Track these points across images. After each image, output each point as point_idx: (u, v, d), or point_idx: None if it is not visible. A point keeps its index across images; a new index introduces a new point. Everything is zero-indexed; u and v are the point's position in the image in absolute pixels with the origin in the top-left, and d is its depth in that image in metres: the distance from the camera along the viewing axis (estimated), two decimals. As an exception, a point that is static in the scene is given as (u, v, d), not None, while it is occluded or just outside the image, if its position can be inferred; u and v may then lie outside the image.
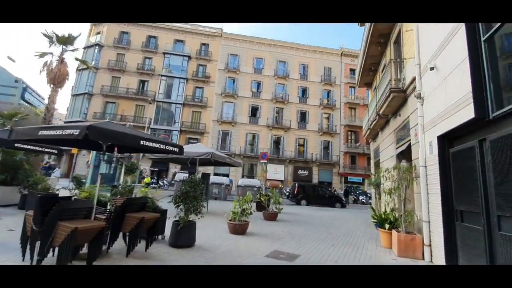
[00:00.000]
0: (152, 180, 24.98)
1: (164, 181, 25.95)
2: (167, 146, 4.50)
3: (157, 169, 30.20)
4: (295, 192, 16.70)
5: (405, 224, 5.42)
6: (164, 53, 31.88)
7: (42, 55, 9.76)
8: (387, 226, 5.76)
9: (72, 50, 10.49)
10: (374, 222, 6.45)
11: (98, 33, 32.36)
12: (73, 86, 31.45)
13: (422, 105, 5.80)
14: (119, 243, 4.29)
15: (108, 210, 4.31)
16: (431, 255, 5.08)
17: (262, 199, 8.96)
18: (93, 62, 30.44)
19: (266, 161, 14.83)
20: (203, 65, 32.93)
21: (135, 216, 3.96)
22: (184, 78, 31.57)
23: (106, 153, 11.88)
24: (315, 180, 30.83)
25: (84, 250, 3.76)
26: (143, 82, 31.58)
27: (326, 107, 33.31)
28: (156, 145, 4.16)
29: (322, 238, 6.42)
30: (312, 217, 10.43)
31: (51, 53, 9.94)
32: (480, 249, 3.75)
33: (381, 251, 5.54)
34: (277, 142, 31.79)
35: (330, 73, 34.62)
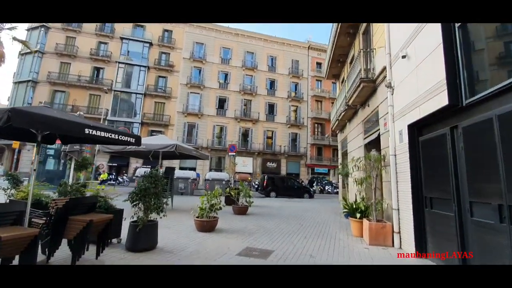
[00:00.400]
0: (110, 177, 23.06)
1: (124, 177, 24.15)
2: (121, 136, 3.83)
3: (116, 165, 28.04)
4: (264, 184, 16.58)
5: (376, 213, 5.44)
6: (121, 38, 29.28)
7: None
8: (358, 215, 5.76)
9: (9, 29, 8.83)
10: (345, 212, 6.44)
11: (42, 11, 28.47)
12: (15, 73, 27.49)
13: (392, 94, 5.81)
14: (64, 251, 3.59)
15: (48, 213, 3.56)
16: (400, 241, 5.15)
17: (232, 193, 8.54)
18: (38, 46, 26.87)
19: (234, 153, 14.39)
20: (166, 53, 30.99)
21: (80, 219, 3.29)
22: (145, 66, 29.41)
23: (53, 147, 10.43)
24: (283, 172, 31.25)
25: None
26: (97, 69, 28.74)
27: (294, 100, 33.71)
28: (107, 135, 3.48)
29: (294, 231, 6.25)
30: (282, 209, 10.33)
31: None
32: (451, 234, 3.80)
33: (352, 241, 5.52)
34: (245, 135, 31.45)
35: (298, 66, 34.99)
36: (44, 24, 27.41)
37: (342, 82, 12.68)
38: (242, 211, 8.36)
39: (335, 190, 26.79)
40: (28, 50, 26.65)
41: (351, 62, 10.90)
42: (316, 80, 35.69)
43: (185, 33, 31.75)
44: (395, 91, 5.74)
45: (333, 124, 12.30)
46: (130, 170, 28.03)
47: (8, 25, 8.65)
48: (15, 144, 20.62)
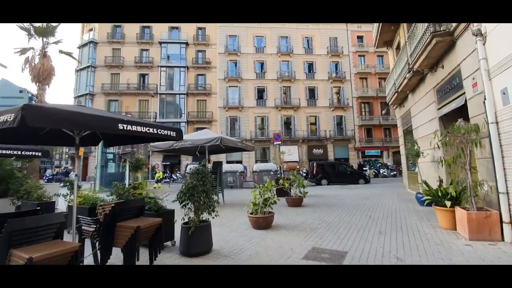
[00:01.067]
0: (165, 175, 24.43)
1: (178, 174, 25.38)
2: (160, 130, 3.43)
3: (169, 163, 29.67)
4: (314, 172, 15.60)
5: (475, 199, 4.24)
6: (160, 43, 30.47)
7: (23, 51, 8.68)
8: (448, 203, 4.60)
9: (55, 43, 9.37)
10: (428, 199, 5.29)
11: (91, 29, 31.16)
12: (74, 89, 30.80)
13: (484, 44, 4.44)
14: (119, 257, 3.37)
15: (97, 220, 3.35)
16: (515, 234, 3.94)
17: (285, 184, 7.91)
18: (90, 61, 29.52)
19: (280, 142, 13.69)
20: (202, 51, 31.40)
21: (128, 226, 2.98)
22: (184, 67, 30.24)
23: (112, 151, 10.72)
24: (331, 157, 29.60)
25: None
26: (143, 75, 30.50)
27: (336, 80, 31.41)
28: (145, 129, 3.09)
29: (363, 225, 5.35)
30: (339, 198, 9.37)
31: (32, 48, 8.89)
32: None
33: (444, 235, 4.42)
34: (287, 123, 30.47)
35: (337, 44, 32.42)
36: (92, 39, 29.92)
37: (398, 48, 10.93)
38: (297, 202, 7.69)
39: (391, 173, 24.41)
40: (82, 66, 29.57)
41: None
42: (359, 55, 32.68)
43: (217, 28, 31.68)
44: (488, 39, 4.37)
45: (389, 99, 10.71)
46: (182, 167, 29.44)
47: (52, 39, 9.09)
48: (80, 152, 22.96)
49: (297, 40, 32.05)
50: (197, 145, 7.89)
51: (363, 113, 31.62)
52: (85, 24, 32.20)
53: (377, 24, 10.69)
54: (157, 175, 16.26)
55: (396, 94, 9.56)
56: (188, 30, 31.31)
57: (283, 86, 31.09)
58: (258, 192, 5.60)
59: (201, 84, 30.72)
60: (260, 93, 30.89)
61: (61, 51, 9.34)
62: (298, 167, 16.00)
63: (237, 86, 30.60)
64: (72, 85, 31.19)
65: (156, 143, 7.25)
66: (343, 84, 31.57)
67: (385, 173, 23.56)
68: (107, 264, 3.08)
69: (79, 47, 30.95)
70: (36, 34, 8.72)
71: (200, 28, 31.85)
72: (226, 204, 8.25)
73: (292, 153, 29.18)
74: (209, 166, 8.38)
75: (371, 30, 33.83)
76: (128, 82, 29.74)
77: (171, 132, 3.66)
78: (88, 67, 29.49)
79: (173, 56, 30.52)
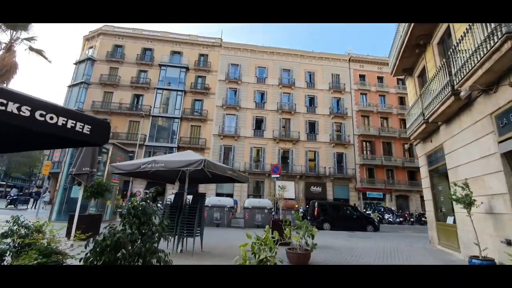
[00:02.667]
0: (145, 204, 21.71)
1: (159, 205, 22.62)
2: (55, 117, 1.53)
3: (152, 191, 26.90)
4: (315, 213, 13.37)
5: None
6: (160, 65, 29.81)
7: None
8: None
9: (28, 39, 7.79)
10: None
11: (91, 47, 30.64)
12: (64, 104, 29.20)
13: None
14: None
15: None
16: None
17: (286, 232, 5.75)
18: (84, 77, 28.39)
19: (278, 176, 11.75)
20: (202, 77, 30.72)
21: None
22: (181, 91, 29.22)
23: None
24: (330, 197, 27.37)
25: None
26: (137, 96, 29.26)
27: (337, 116, 30.49)
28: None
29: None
30: (356, 254, 7.14)
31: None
32: None
33: None
34: (285, 157, 28.68)
35: (339, 80, 32.20)
36: (91, 57, 29.16)
37: (420, 76, 9.61)
38: (302, 259, 5.50)
39: (397, 220, 22.08)
40: (76, 82, 28.35)
41: (439, 43, 7.94)
42: (361, 93, 32.30)
43: (220, 56, 31.46)
44: None
45: (412, 132, 9.06)
46: (167, 196, 26.79)
47: (24, 33, 7.56)
48: (46, 169, 20.42)
49: (299, 74, 31.79)
50: (173, 170, 5.90)
51: (365, 151, 30.19)
52: (86, 42, 31.83)
53: (397, 49, 9.49)
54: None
55: (423, 126, 7.93)
56: (190, 55, 30.99)
57: (283, 118, 29.97)
58: (249, 247, 3.53)
59: (197, 110, 29.44)
60: (258, 124, 29.60)
61: (31, 48, 7.75)
62: (297, 206, 13.77)
63: (234, 115, 29.38)
64: (62, 101, 29.63)
65: (118, 163, 5.28)
66: (345, 120, 30.62)
67: (390, 219, 21.25)
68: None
69: (75, 63, 30.09)
70: (4, 25, 7.13)
71: (202, 55, 31.60)
72: (204, 252, 6.00)
73: (288, 189, 26.76)
74: (188, 198, 6.30)
75: (373, 70, 34.22)
76: (120, 102, 28.33)
77: (80, 124, 1.75)
78: (81, 83, 28.28)
79: (171, 79, 29.65)
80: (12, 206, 17.97)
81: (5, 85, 6.74)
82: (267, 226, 3.18)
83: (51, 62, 7.39)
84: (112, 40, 30.61)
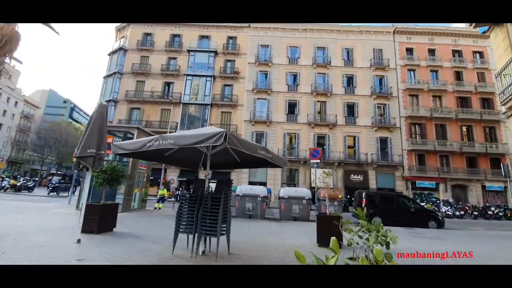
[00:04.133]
0: (177, 192, 21.48)
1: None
2: None
3: (185, 179, 26.95)
4: (363, 205, 11.46)
5: None
6: (188, 51, 29.07)
7: None
8: None
9: None
10: None
11: (123, 37, 30.93)
12: (100, 95, 30.16)
13: None
14: None
15: None
16: None
17: (349, 240, 4.18)
18: (117, 67, 28.81)
19: (318, 161, 10.05)
20: (231, 60, 29.42)
21: None
22: (211, 76, 28.28)
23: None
24: (372, 186, 24.84)
25: None
26: (168, 84, 29.05)
27: (380, 97, 27.27)
28: None
29: None
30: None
31: None
32: None
33: None
34: (321, 143, 26.50)
35: (381, 56, 28.64)
36: (122, 46, 29.41)
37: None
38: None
39: (456, 213, 19.00)
40: (109, 73, 28.89)
41: None
42: (408, 69, 28.47)
43: (249, 37, 29.75)
44: None
45: (507, 99, 6.69)
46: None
47: None
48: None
49: (335, 51, 28.87)
50: (189, 149, 4.61)
51: (414, 135, 26.72)
52: (118, 32, 32.23)
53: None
54: (160, 192, 13.18)
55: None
56: (218, 38, 29.76)
57: (318, 101, 27.62)
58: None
59: (227, 95, 28.38)
60: (291, 108, 27.67)
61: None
62: (340, 196, 11.88)
63: (266, 99, 27.76)
64: (99, 92, 30.63)
65: (121, 142, 4.12)
66: (389, 101, 27.28)
67: (449, 212, 18.30)
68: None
69: (109, 54, 30.68)
70: None
71: (231, 37, 30.18)
72: (232, 256, 4.71)
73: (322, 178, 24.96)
74: (211, 187, 5.00)
75: (422, 41, 29.75)
76: (152, 90, 28.34)
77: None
78: (115, 73, 28.77)
79: (200, 65, 28.82)
80: (55, 193, 18.79)
81: (7, 58, 5.94)
82: (333, 239, 1.68)
83: (59, 34, 6.35)
84: (142, 28, 30.53)
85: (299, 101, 27.62)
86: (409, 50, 29.11)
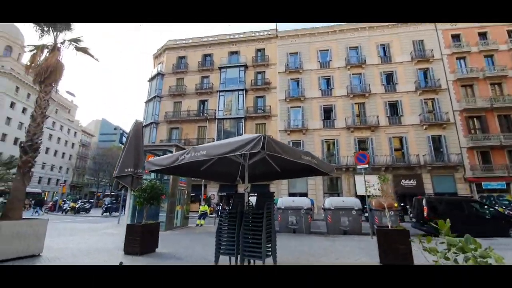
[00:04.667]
0: (218, 208, 21.49)
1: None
2: None
3: (225, 194, 27.04)
4: (424, 213, 9.97)
5: None
6: (219, 68, 29.96)
7: (38, 48, 6.94)
8: None
9: (73, 40, 7.32)
10: None
11: (160, 63, 33.18)
12: (143, 119, 32.36)
13: None
14: None
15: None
16: None
17: (437, 257, 3.28)
18: (156, 91, 30.77)
19: (366, 165, 9.05)
20: (261, 72, 29.56)
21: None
22: (242, 90, 28.62)
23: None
24: (428, 190, 22.14)
25: None
26: (202, 102, 30.11)
27: (427, 91, 24.78)
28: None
29: None
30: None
31: (46, 46, 7.09)
32: None
33: None
34: (363, 148, 24.71)
35: (423, 47, 26.30)
36: (160, 72, 31.46)
37: None
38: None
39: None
40: (150, 97, 30.92)
41: None
42: (457, 58, 25.58)
43: (277, 47, 29.71)
44: None
45: None
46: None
47: (68, 34, 7.18)
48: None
49: (369, 49, 27.30)
50: (212, 156, 4.25)
51: (473, 131, 23.54)
52: (155, 59, 34.69)
53: None
54: (201, 208, 13.11)
55: None
56: (247, 52, 30.28)
57: (355, 103, 26.07)
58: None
59: (260, 106, 28.34)
60: (327, 113, 26.52)
61: (77, 48, 7.24)
62: (396, 205, 10.47)
63: (299, 107, 27.06)
64: (141, 116, 32.94)
65: (154, 158, 3.92)
66: (438, 95, 24.63)
67: (533, 217, 15.25)
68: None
69: (149, 80, 33.04)
70: (47, 26, 6.81)
71: (259, 50, 30.49)
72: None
73: (372, 184, 23.02)
74: (251, 201, 4.55)
75: (470, 25, 26.72)
76: (188, 109, 29.57)
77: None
78: (154, 97, 30.75)
79: (231, 80, 29.43)
80: (107, 213, 20.10)
81: (53, 87, 6.35)
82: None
83: (98, 61, 6.64)
84: (176, 53, 32.45)
85: (335, 105, 26.36)
86: (456, 37, 26.29)
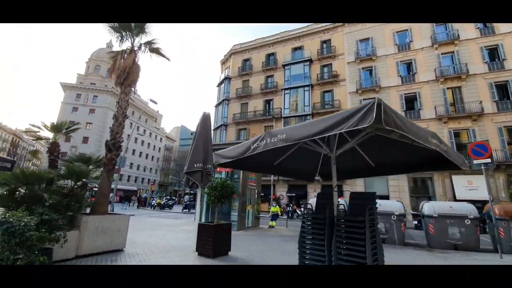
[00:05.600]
0: (288, 209, 20.69)
1: (303, 209, 20.97)
2: None
3: (294, 195, 26.13)
4: None
5: None
6: (283, 66, 29.31)
7: (118, 53, 7.51)
8: None
9: (149, 43, 7.64)
10: None
11: (227, 68, 34.68)
12: (214, 123, 34.35)
13: None
14: None
15: None
16: None
17: None
18: (225, 95, 32.17)
19: (489, 159, 6.81)
20: (327, 65, 27.62)
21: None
22: (308, 85, 27.25)
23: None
24: None
25: None
26: (268, 101, 30.00)
27: (558, 63, 18.62)
28: None
29: None
30: None
31: (124, 50, 7.60)
32: None
33: None
34: (460, 143, 20.26)
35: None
36: (227, 76, 32.80)
37: None
38: None
39: None
40: (219, 101, 32.48)
41: None
42: None
43: (345, 36, 27.26)
44: None
45: None
46: (308, 199, 25.17)
47: (143, 37, 7.50)
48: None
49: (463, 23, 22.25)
50: (303, 139, 3.41)
51: None
52: (223, 65, 36.43)
53: None
54: (271, 209, 12.50)
55: None
56: (311, 46, 28.76)
57: (448, 88, 21.63)
58: None
59: (328, 101, 26.44)
60: (410, 103, 22.83)
61: (151, 49, 7.55)
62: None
63: (374, 98, 23.95)
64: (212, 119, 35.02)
65: (222, 150, 3.38)
66: None
67: None
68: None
69: (217, 85, 34.87)
70: (124, 30, 7.25)
71: (324, 42, 28.58)
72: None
73: (476, 187, 18.58)
74: (341, 202, 3.56)
75: None
76: (254, 110, 29.87)
77: None
78: (223, 101, 32.21)
79: (296, 76, 28.38)
80: (187, 210, 21.68)
81: (131, 88, 6.64)
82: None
83: (169, 60, 6.69)
84: (241, 56, 33.35)
85: (420, 93, 22.43)
86: None
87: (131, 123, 34.09)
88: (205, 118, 5.06)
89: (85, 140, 45.82)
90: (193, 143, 4.81)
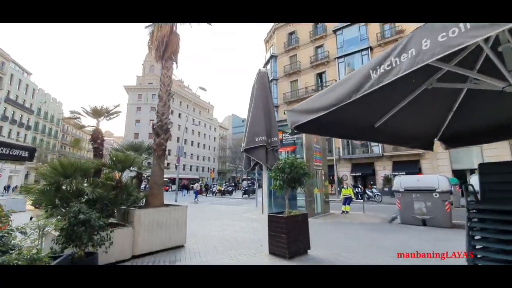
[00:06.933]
0: (356, 190, 18.45)
1: (374, 190, 18.45)
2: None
3: (360, 174, 23.57)
4: None
5: None
6: (334, 31, 26.01)
7: (156, 26, 6.76)
8: None
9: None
10: None
11: (271, 46, 32.78)
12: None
13: None
14: None
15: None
16: None
17: None
18: (272, 74, 30.54)
19: None
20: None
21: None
22: (366, 49, 23.66)
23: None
24: None
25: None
26: (319, 74, 27.33)
27: None
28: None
29: None
30: None
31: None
32: None
33: None
34: None
35: None
36: (273, 54, 30.95)
37: None
38: None
39: None
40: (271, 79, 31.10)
41: None
42: None
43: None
44: None
45: None
46: (378, 179, 22.37)
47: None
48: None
49: None
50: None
51: None
52: (267, 44, 34.56)
53: None
54: (343, 191, 10.78)
55: None
56: (367, 1, 24.68)
57: None
58: None
59: (394, 63, 22.52)
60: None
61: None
62: None
63: (457, 49, 19.35)
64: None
65: (301, 103, 2.01)
66: None
67: None
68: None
69: (263, 66, 33.35)
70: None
71: (384, -7, 24.16)
72: None
73: None
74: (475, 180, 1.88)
75: None
76: (305, 86, 27.61)
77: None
78: (271, 81, 30.63)
79: (351, 41, 24.90)
80: (246, 196, 21.44)
81: (173, 61, 5.73)
82: None
83: (211, 24, 5.57)
84: (285, 30, 30.97)
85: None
86: None
87: (186, 116, 35.40)
88: (262, 76, 3.77)
89: (150, 136, 50.01)
90: (250, 111, 3.60)
